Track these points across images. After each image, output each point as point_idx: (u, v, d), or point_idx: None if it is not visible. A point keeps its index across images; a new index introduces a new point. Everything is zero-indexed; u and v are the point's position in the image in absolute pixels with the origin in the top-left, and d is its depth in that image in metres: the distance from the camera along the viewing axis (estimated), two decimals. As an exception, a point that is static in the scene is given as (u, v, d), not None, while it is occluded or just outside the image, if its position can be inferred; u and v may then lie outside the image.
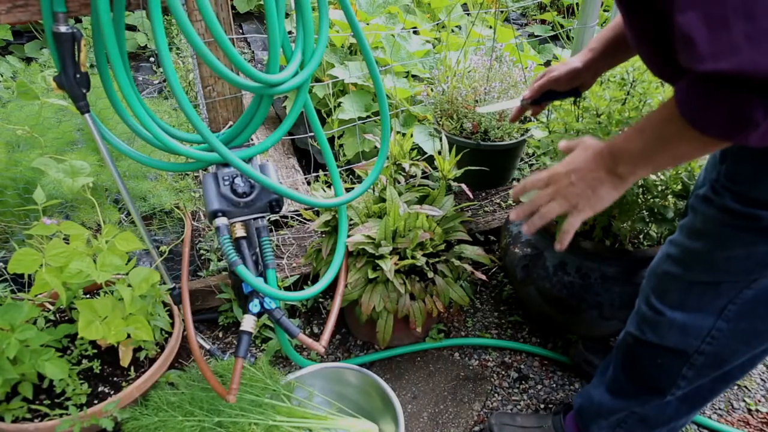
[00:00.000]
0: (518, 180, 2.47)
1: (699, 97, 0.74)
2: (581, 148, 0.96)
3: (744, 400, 1.68)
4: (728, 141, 0.78)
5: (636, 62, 1.45)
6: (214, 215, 1.26)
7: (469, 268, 1.60)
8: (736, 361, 1.09)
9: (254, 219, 1.32)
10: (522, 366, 1.76)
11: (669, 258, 1.08)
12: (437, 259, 1.62)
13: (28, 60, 3.17)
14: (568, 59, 1.27)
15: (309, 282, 1.89)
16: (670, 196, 1.44)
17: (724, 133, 0.75)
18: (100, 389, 1.41)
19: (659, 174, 1.41)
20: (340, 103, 2.36)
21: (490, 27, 2.89)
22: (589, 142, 0.96)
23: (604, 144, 0.93)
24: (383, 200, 1.66)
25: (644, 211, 1.47)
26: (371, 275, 1.53)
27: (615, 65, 1.25)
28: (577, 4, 3.53)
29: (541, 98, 1.33)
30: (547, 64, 3.17)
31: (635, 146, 0.87)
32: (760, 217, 0.89)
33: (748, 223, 0.91)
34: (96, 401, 1.37)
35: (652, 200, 1.45)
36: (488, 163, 1.95)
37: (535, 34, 3.78)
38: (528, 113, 1.41)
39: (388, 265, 1.49)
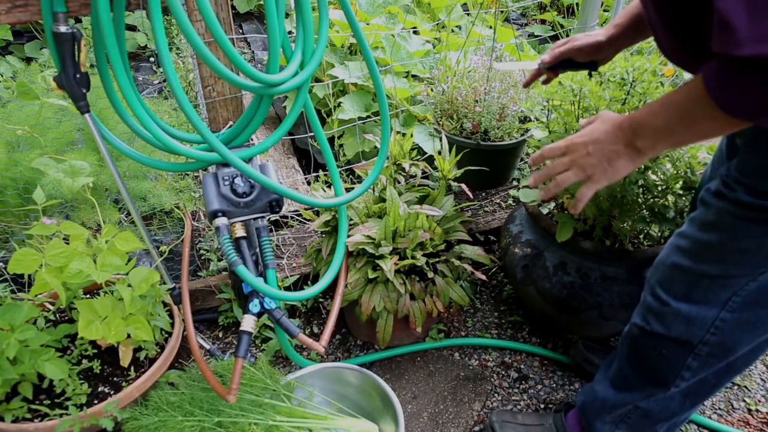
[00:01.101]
0: (518, 180, 2.47)
1: (729, 81, 0.75)
2: (600, 120, 0.98)
3: (744, 400, 1.68)
4: (754, 122, 0.79)
5: (636, 62, 1.45)
6: (214, 215, 1.26)
7: (469, 268, 1.60)
8: (741, 350, 1.09)
9: (254, 219, 1.32)
10: (522, 366, 1.76)
11: (679, 250, 1.09)
12: (437, 259, 1.62)
13: (28, 60, 3.17)
14: (592, 31, 1.27)
15: (309, 282, 1.89)
16: (670, 196, 1.44)
17: (752, 115, 0.76)
18: (100, 389, 1.41)
19: (660, 173, 1.42)
20: (340, 103, 2.36)
21: (490, 27, 2.89)
22: (608, 114, 0.98)
23: (624, 117, 0.94)
24: (383, 200, 1.66)
25: (645, 211, 1.47)
26: (371, 275, 1.53)
27: (638, 42, 1.25)
28: (577, 4, 3.53)
29: (559, 65, 1.33)
30: (547, 64, 3.16)
31: (658, 122, 0.88)
32: None
33: (760, 215, 0.92)
34: (96, 401, 1.37)
35: (652, 200, 1.45)
36: (488, 163, 1.95)
37: (535, 34, 3.78)
38: (540, 79, 1.40)
39: (388, 265, 1.49)
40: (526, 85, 1.40)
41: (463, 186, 1.74)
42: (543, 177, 1.05)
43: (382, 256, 1.54)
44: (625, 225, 1.50)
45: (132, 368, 1.46)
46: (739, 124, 0.81)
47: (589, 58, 1.28)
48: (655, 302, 1.14)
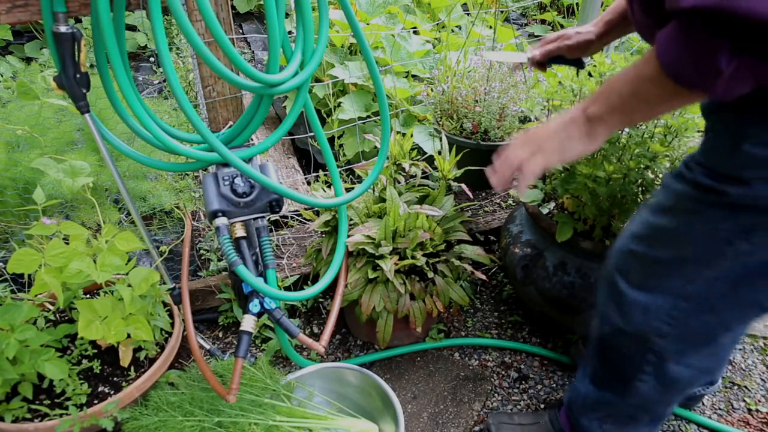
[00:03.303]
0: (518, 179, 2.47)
1: (674, 40, 0.75)
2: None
3: (744, 400, 1.68)
4: (698, 90, 0.78)
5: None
6: (214, 215, 1.26)
7: (469, 268, 1.60)
8: (701, 348, 1.09)
9: (254, 219, 1.32)
10: (522, 366, 1.76)
11: (633, 236, 1.09)
12: (437, 259, 1.62)
13: (28, 60, 3.17)
14: (582, 28, 1.28)
15: (309, 282, 1.89)
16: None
17: (692, 79, 0.76)
18: (100, 389, 1.41)
19: (660, 173, 1.42)
20: (340, 103, 2.36)
21: (490, 27, 2.89)
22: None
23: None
24: (383, 200, 1.66)
25: (644, 211, 1.47)
26: (371, 275, 1.53)
27: (625, 35, 1.27)
28: (577, 4, 3.53)
29: (547, 61, 1.34)
30: (547, 64, 3.17)
31: (609, 87, 0.90)
32: (727, 193, 0.90)
33: (716, 198, 0.92)
34: (96, 401, 1.37)
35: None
36: (488, 163, 1.92)
37: (535, 34, 3.78)
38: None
39: (388, 265, 1.49)
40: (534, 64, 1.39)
41: (463, 186, 1.74)
42: (499, 165, 1.08)
43: (382, 256, 1.54)
44: (625, 225, 1.50)
45: (132, 368, 1.46)
46: (686, 95, 0.80)
47: (578, 56, 1.29)
48: (613, 292, 1.14)
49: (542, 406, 1.64)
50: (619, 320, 1.14)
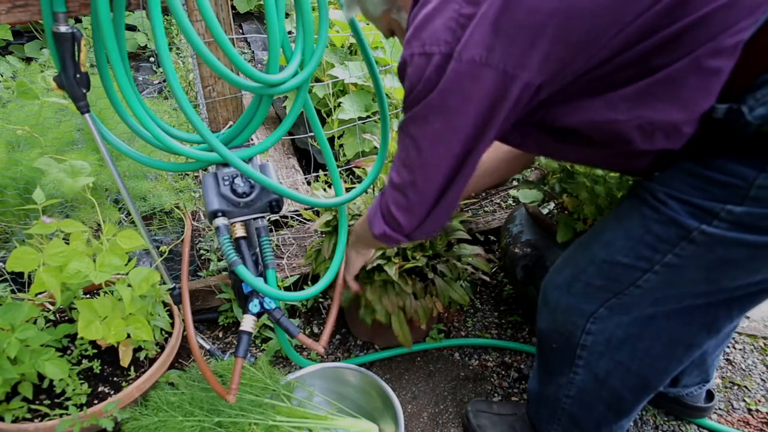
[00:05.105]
0: (518, 180, 2.47)
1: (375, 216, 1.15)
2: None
3: (744, 400, 1.68)
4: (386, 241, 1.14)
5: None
6: (214, 215, 1.26)
7: (469, 268, 1.60)
8: (633, 352, 1.10)
9: (254, 219, 1.32)
10: (522, 366, 1.76)
11: (576, 245, 1.14)
12: (437, 261, 1.62)
13: (28, 60, 3.17)
14: None
15: (309, 282, 1.89)
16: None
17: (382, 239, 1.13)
18: (100, 389, 1.41)
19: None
20: (340, 103, 2.36)
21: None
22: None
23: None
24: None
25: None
26: (377, 278, 1.53)
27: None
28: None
29: None
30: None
31: (355, 228, 1.39)
32: (666, 203, 0.92)
33: (649, 196, 0.95)
34: (96, 401, 1.37)
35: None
36: (488, 163, 1.94)
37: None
38: None
39: (393, 269, 1.49)
40: None
41: (463, 186, 1.73)
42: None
43: (388, 259, 1.53)
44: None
45: (132, 368, 1.46)
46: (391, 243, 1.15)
47: None
48: (545, 289, 1.17)
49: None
50: (548, 316, 1.17)
